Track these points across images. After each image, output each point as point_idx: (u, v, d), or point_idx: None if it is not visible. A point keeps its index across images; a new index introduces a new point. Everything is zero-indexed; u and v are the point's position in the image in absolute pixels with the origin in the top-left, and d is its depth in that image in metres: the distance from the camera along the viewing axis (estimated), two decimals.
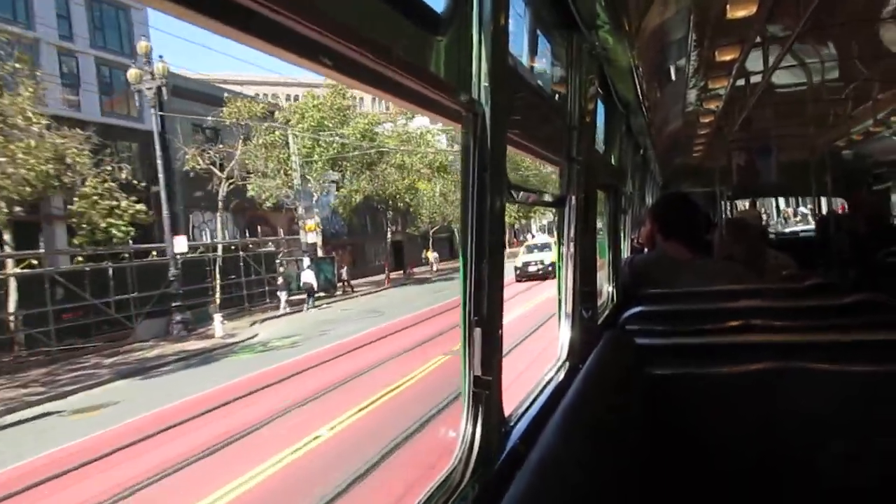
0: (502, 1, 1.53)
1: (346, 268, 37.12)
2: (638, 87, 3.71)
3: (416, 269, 45.69)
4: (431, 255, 46.86)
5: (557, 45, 2.63)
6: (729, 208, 11.02)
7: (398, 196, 37.18)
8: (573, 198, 2.59)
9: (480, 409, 1.50)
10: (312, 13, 0.90)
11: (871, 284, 3.95)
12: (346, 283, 36.26)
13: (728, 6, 3.69)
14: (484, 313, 1.50)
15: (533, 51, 2.41)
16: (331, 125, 33.16)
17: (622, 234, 4.97)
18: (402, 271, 43.86)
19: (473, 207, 1.49)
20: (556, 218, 2.67)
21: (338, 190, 35.77)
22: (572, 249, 2.60)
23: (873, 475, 2.23)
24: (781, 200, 23.49)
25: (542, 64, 2.55)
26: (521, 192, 1.99)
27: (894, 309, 2.81)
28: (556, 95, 2.67)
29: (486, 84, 1.47)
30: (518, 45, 2.11)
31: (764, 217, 16.42)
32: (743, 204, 11.57)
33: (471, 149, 1.47)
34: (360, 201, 35.57)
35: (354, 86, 1.09)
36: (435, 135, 39.93)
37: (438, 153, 39.48)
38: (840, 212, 8.55)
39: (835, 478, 2.26)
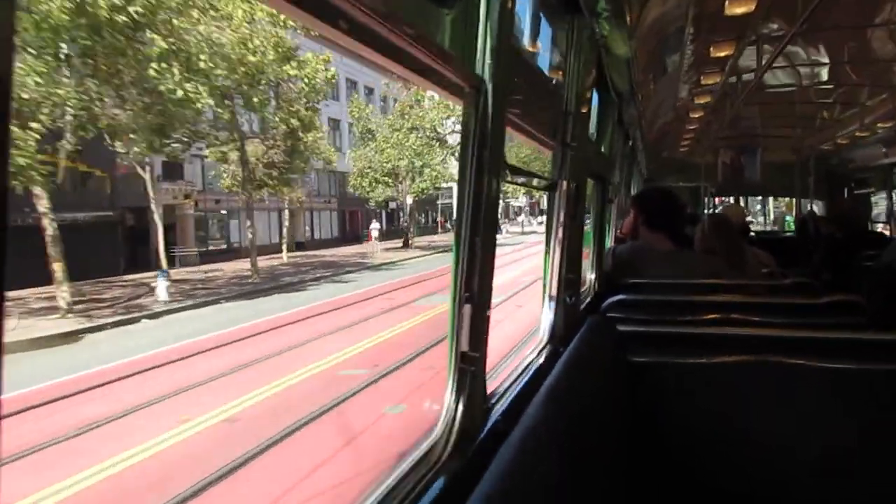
0: None
1: None
2: (632, 76, 3.72)
3: None
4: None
5: (558, 29, 2.63)
6: (713, 205, 11.13)
7: None
8: (564, 183, 2.60)
9: (465, 385, 1.51)
10: None
11: (847, 287, 4.02)
12: None
13: (727, 2, 3.71)
14: (474, 290, 1.51)
15: (535, 33, 2.41)
16: None
17: (608, 224, 5.00)
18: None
19: (471, 184, 1.49)
20: (547, 202, 2.69)
21: None
22: (560, 234, 2.62)
23: (840, 468, 2.29)
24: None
25: (542, 47, 2.55)
26: (517, 174, 1.99)
27: (870, 310, 2.87)
28: (554, 80, 2.67)
29: (490, 61, 1.46)
30: (521, 26, 2.10)
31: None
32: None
33: (472, 125, 1.47)
34: None
35: (361, 50, 1.08)
36: None
37: None
38: (816, 214, 8.68)
39: (803, 469, 2.32)
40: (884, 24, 4.63)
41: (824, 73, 6.02)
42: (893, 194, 8.50)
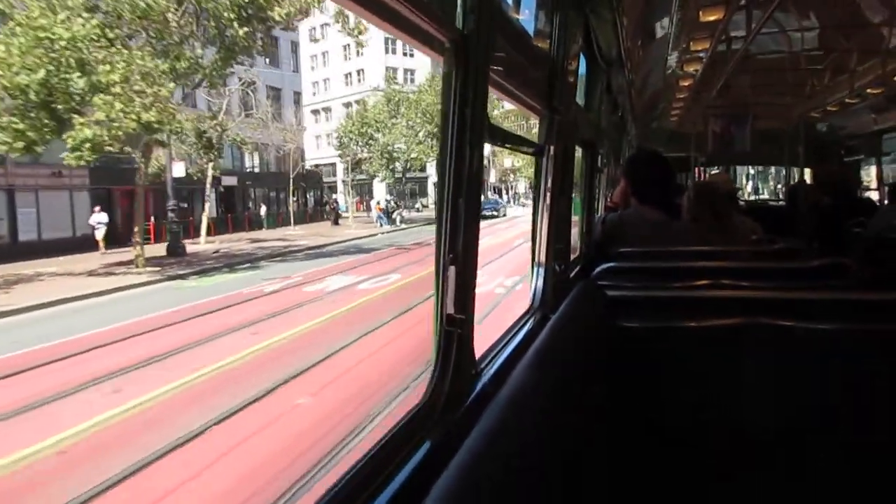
0: None
1: None
2: (621, 43, 3.67)
3: None
4: None
5: None
6: (703, 175, 11.12)
7: None
8: (551, 148, 2.56)
9: (453, 347, 1.49)
10: None
11: (836, 254, 4.03)
12: None
13: None
14: (459, 251, 1.49)
15: None
16: None
17: (597, 193, 4.97)
18: None
19: (453, 143, 1.46)
20: (535, 168, 2.65)
21: None
22: (548, 200, 2.59)
23: (828, 428, 2.30)
24: None
25: (527, 7, 2.49)
26: (500, 135, 1.95)
27: (860, 272, 2.87)
28: (540, 43, 2.62)
29: (471, 14, 1.42)
30: None
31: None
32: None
33: (453, 82, 1.43)
34: None
35: (338, 1, 1.05)
36: None
37: None
38: (806, 183, 8.67)
39: (791, 429, 2.32)
40: None
41: (814, 39, 5.98)
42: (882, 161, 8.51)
